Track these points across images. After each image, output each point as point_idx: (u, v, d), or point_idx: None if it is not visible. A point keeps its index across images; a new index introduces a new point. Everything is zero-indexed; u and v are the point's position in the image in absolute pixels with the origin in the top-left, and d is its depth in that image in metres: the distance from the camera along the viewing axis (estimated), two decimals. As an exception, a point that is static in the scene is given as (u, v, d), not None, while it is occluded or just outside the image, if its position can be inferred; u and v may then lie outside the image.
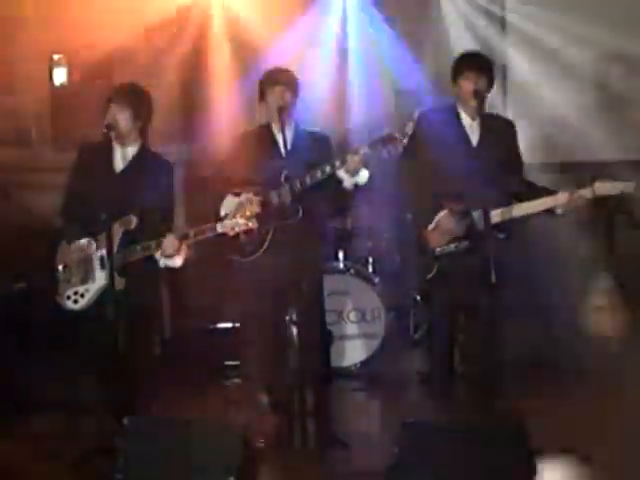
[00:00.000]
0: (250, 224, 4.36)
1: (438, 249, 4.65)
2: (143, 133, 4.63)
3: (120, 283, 4.42)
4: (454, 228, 4.61)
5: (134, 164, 4.59)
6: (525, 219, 4.63)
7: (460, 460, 3.59)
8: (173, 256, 4.48)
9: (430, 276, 4.68)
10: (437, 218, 4.63)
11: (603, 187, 4.44)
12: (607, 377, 5.77)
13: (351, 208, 6.57)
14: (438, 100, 5.73)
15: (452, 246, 4.63)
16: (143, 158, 4.61)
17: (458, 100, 4.75)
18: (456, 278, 4.62)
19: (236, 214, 4.41)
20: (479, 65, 4.68)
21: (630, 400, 5.28)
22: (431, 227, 4.64)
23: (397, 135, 4.32)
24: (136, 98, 4.58)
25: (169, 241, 4.41)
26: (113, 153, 4.44)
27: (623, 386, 5.57)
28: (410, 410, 5.55)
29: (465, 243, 4.62)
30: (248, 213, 4.37)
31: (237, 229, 4.40)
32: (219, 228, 4.43)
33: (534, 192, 4.61)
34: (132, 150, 4.60)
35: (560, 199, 4.51)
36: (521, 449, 3.63)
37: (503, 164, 4.62)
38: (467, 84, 4.63)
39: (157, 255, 4.49)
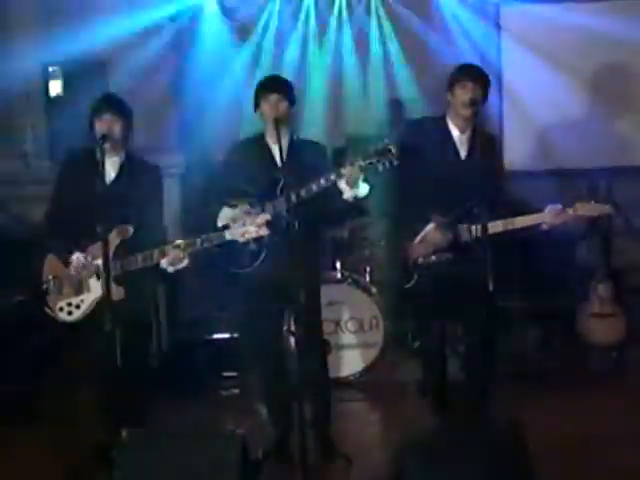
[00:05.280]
0: (261, 232, 4.36)
1: (420, 259, 4.67)
2: (127, 141, 4.64)
3: (119, 293, 4.40)
4: (440, 241, 4.64)
5: (124, 172, 4.58)
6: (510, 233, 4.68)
7: (461, 470, 3.57)
8: (179, 263, 4.48)
9: (408, 286, 4.70)
10: (424, 231, 4.64)
11: (583, 208, 4.63)
12: (606, 384, 5.78)
13: (349, 220, 6.56)
14: (433, 108, 5.74)
15: (433, 257, 4.67)
16: (131, 165, 4.62)
17: (449, 111, 4.76)
18: (438, 289, 4.63)
19: (246, 221, 4.40)
20: (477, 75, 4.72)
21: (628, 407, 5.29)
22: (417, 240, 4.66)
23: (392, 148, 4.30)
24: (125, 108, 4.60)
25: (173, 253, 4.41)
26: (101, 164, 4.40)
27: (622, 393, 5.59)
28: (409, 420, 5.53)
29: (447, 255, 4.65)
30: (259, 220, 4.37)
31: (247, 236, 4.39)
32: (228, 235, 4.42)
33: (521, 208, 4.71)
34: (119, 159, 4.60)
35: (545, 216, 4.62)
36: (521, 458, 3.62)
37: (490, 177, 4.65)
38: (463, 93, 4.66)
39: (163, 264, 4.47)
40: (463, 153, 4.74)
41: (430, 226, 4.64)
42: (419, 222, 4.66)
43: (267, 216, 4.43)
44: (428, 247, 4.66)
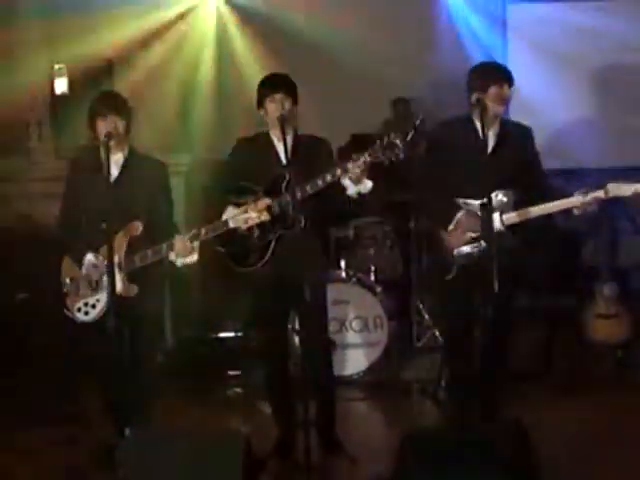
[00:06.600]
0: (262, 217, 4.35)
1: (456, 250, 4.66)
2: (129, 138, 4.64)
3: (132, 290, 4.43)
4: (471, 227, 4.61)
5: (127, 169, 4.58)
6: (541, 220, 4.65)
7: (462, 469, 3.57)
8: (187, 255, 4.47)
9: (450, 277, 4.67)
10: (455, 218, 4.63)
11: (615, 189, 4.50)
12: (610, 384, 5.77)
13: (353, 216, 6.56)
14: (438, 107, 5.73)
15: (470, 247, 4.64)
16: (135, 162, 4.62)
17: (476, 109, 4.72)
18: (474, 281, 4.61)
19: (247, 209, 4.39)
20: (508, 73, 4.74)
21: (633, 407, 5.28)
22: (451, 227, 4.64)
23: (398, 142, 4.29)
24: (127, 106, 4.61)
25: (180, 242, 4.40)
26: (106, 162, 4.39)
27: (626, 393, 5.58)
28: (412, 419, 5.53)
29: (483, 245, 4.61)
30: (260, 205, 4.37)
31: (250, 222, 4.38)
32: (231, 223, 4.42)
33: (549, 194, 4.64)
34: (123, 156, 4.59)
35: (575, 201, 4.54)
36: (524, 457, 3.61)
37: (518, 169, 4.65)
38: (499, 91, 4.65)
39: (172, 257, 4.48)
40: (490, 148, 4.72)
41: (461, 213, 4.64)
42: (451, 212, 4.66)
43: (267, 201, 4.42)
44: (461, 235, 4.65)
